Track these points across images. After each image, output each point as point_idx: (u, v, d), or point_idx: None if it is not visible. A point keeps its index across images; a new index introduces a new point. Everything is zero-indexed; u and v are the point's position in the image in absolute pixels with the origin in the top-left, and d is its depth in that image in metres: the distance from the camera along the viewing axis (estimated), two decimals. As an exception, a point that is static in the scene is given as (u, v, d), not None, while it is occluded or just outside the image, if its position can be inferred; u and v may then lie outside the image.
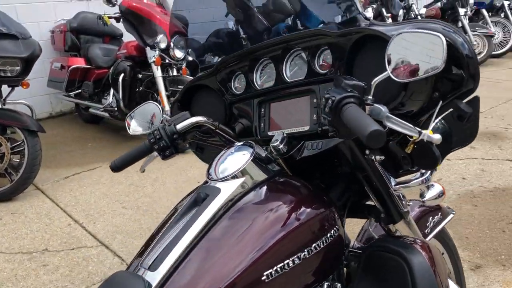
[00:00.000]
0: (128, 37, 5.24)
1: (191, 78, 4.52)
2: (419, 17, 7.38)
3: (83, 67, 4.81)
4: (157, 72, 4.07)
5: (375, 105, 0.89)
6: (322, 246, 0.97)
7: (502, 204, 2.84)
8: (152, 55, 4.04)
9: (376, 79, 0.90)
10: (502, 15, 7.81)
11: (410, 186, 1.17)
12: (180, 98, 1.41)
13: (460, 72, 0.93)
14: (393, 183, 1.15)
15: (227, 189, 0.97)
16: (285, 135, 1.11)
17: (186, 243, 0.90)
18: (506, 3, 7.75)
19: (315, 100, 1.10)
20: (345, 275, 1.19)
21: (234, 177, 0.99)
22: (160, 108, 1.35)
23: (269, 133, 1.19)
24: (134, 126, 1.36)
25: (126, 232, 2.80)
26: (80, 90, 4.90)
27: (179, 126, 1.12)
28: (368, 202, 1.24)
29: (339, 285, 1.09)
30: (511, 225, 2.61)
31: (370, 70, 0.96)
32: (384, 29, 0.98)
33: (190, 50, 4.28)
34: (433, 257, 1.04)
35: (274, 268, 0.89)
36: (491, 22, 7.48)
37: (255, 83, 1.24)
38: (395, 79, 0.87)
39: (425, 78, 0.87)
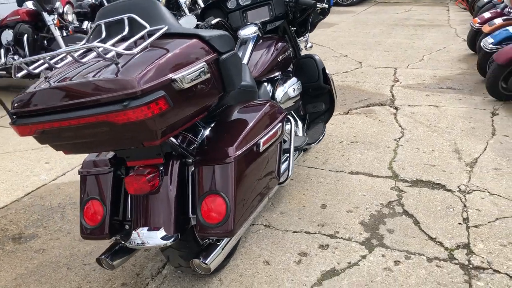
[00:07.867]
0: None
1: (84, 36, 5.61)
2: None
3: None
4: (56, 32, 5.06)
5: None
6: (287, 53, 2.77)
7: (342, 95, 5.01)
8: (52, 18, 5.01)
9: None
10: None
11: (302, 40, 3.07)
12: (200, 13, 3.00)
13: None
14: (298, 40, 3.03)
15: (252, 39, 2.70)
16: (260, 21, 2.85)
17: (249, 50, 2.60)
18: None
19: (270, 7, 2.87)
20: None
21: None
22: (195, 18, 2.92)
23: (248, 23, 2.91)
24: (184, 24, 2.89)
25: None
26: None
27: (212, 22, 2.75)
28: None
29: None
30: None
31: None
32: None
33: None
34: (320, 58, 2.95)
35: (282, 56, 2.67)
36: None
37: (240, 2, 2.93)
38: None
39: None
